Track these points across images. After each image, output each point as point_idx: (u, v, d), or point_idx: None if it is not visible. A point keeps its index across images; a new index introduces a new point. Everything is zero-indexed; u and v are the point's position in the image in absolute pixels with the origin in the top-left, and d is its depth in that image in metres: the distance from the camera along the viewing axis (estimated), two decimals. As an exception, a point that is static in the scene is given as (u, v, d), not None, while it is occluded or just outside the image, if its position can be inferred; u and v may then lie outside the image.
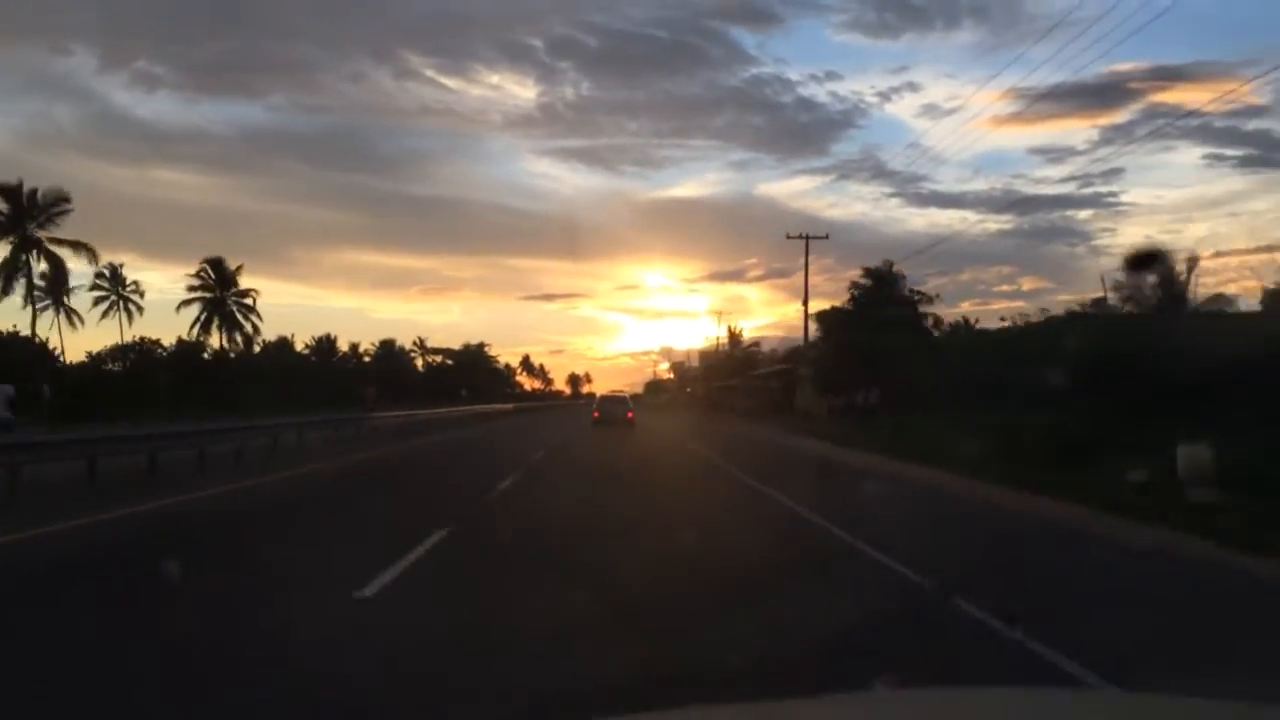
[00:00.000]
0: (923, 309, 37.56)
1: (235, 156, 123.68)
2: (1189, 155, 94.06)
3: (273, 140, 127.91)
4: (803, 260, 43.27)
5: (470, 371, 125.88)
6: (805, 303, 41.54)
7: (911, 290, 37.60)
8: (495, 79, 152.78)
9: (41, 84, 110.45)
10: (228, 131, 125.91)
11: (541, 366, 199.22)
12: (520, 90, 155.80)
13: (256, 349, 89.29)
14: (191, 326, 71.58)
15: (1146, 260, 21.77)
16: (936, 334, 31.30)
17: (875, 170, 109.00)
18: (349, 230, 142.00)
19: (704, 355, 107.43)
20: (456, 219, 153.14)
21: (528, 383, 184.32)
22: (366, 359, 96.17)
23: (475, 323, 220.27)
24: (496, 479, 16.43)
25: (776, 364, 58.24)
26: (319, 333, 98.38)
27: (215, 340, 72.19)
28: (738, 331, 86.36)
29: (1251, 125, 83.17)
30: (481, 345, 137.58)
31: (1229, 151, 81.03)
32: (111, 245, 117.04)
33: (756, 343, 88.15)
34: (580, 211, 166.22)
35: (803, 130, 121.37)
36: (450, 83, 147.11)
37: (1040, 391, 19.38)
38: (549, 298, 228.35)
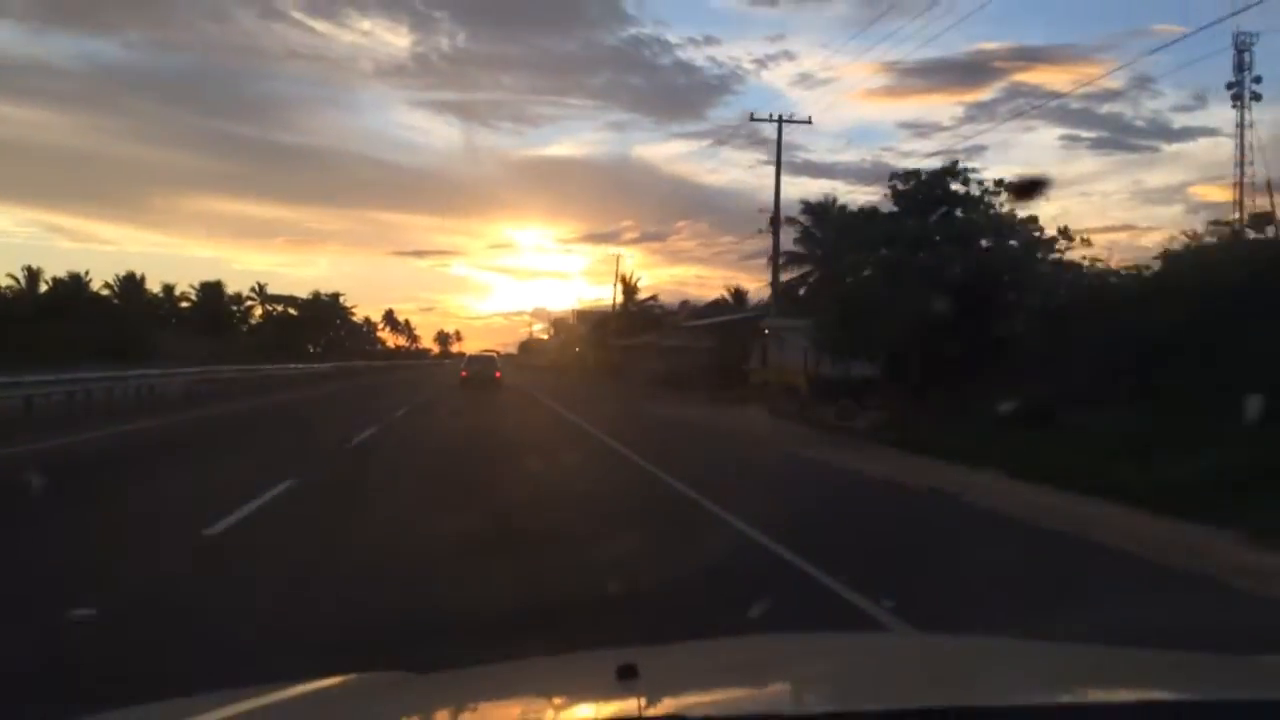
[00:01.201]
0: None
1: (87, 94, 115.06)
2: (1047, 135, 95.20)
3: (128, 78, 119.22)
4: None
5: (320, 325, 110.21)
6: (776, 217, 30.71)
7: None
8: (367, 25, 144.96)
9: None
10: (79, 66, 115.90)
11: (407, 322, 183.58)
12: (393, 38, 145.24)
13: (43, 287, 73.31)
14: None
15: (1031, 188, 19.42)
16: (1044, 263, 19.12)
17: (750, 137, 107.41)
18: (209, 177, 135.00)
19: (583, 314, 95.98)
20: (324, 169, 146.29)
21: (391, 339, 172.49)
22: (185, 304, 79.84)
23: (342, 277, 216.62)
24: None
25: (723, 317, 46.19)
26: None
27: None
28: (633, 282, 74.05)
29: (1105, 109, 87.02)
30: (336, 296, 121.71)
31: (1084, 133, 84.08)
32: None
33: (654, 297, 76.64)
34: (454, 167, 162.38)
35: (681, 93, 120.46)
36: (319, 26, 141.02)
37: None
38: (420, 254, 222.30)
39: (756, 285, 77.20)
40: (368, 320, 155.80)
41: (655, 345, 47.49)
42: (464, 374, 40.26)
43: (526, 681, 1.95)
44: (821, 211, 51.11)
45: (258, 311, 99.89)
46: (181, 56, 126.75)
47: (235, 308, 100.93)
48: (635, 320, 68.33)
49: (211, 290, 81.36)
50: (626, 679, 1.54)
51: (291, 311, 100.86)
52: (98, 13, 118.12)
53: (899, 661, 2.08)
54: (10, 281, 70.67)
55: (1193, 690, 1.69)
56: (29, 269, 71.41)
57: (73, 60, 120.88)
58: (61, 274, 70.56)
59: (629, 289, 76.11)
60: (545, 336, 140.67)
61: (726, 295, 77.07)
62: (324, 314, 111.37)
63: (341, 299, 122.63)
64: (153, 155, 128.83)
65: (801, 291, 51.79)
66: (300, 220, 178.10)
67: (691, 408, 26.10)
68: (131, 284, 74.73)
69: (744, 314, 41.53)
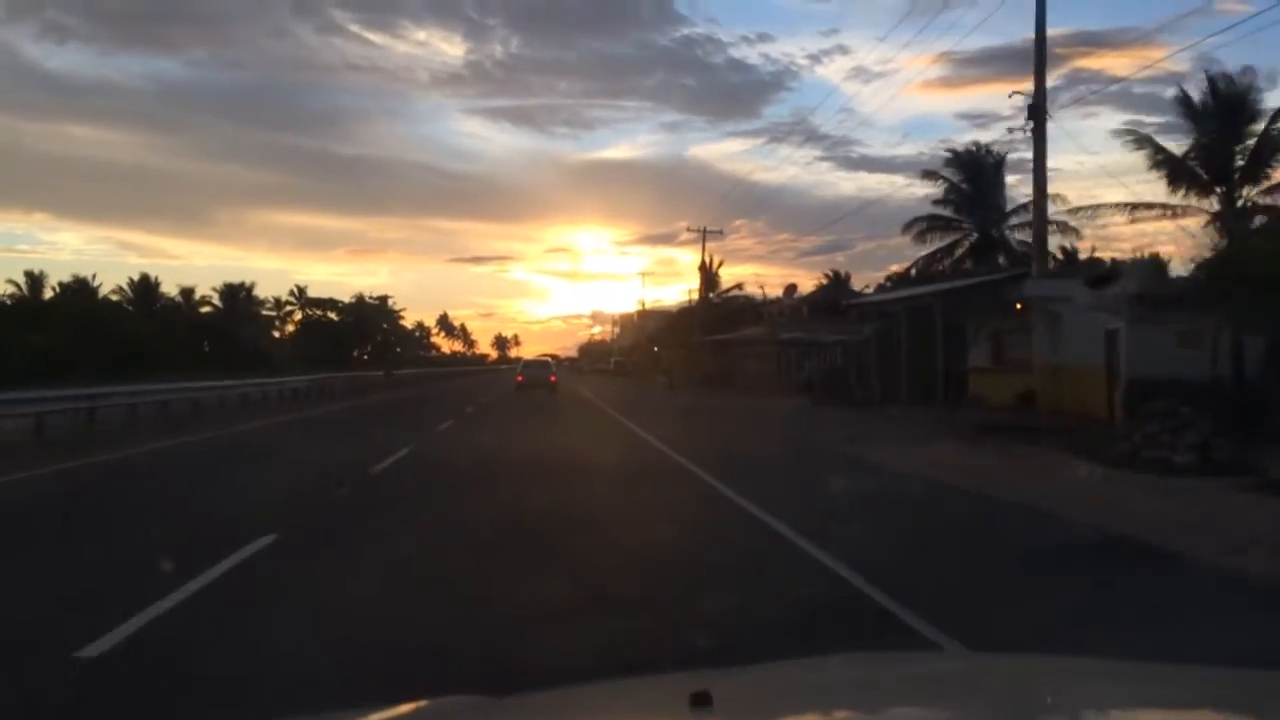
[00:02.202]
0: None
1: (153, 113, 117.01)
2: (1111, 121, 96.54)
3: (192, 96, 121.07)
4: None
5: (366, 331, 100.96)
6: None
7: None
8: (422, 35, 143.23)
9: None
10: (145, 86, 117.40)
11: (463, 326, 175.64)
12: (448, 47, 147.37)
13: (49, 294, 64.84)
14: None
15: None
16: None
17: (806, 134, 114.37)
18: (272, 190, 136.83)
19: (647, 312, 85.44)
20: (383, 179, 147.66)
21: (446, 345, 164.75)
22: (206, 309, 70.57)
23: (403, 285, 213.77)
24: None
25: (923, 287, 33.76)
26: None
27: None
28: (715, 267, 62.70)
29: (1171, 92, 70.13)
30: (385, 299, 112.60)
31: (1149, 119, 77.75)
32: (24, 204, 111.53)
33: (739, 285, 65.46)
34: (510, 173, 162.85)
35: (734, 92, 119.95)
36: (375, 38, 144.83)
37: None
38: (478, 260, 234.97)
39: (812, 280, 68.02)
40: (420, 325, 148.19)
41: (768, 340, 36.35)
42: (519, 379, 40.72)
43: (601, 708, 1.93)
44: (973, 165, 39.49)
45: (297, 317, 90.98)
46: (243, 73, 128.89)
47: (274, 314, 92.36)
48: (721, 314, 57.44)
49: (236, 292, 71.62)
50: (701, 705, 1.51)
51: (331, 316, 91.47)
52: (163, 33, 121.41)
53: (976, 684, 2.02)
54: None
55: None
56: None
57: (139, 80, 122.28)
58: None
59: (708, 280, 64.78)
60: (606, 338, 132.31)
61: (824, 279, 65.78)
62: (369, 319, 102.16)
63: (391, 302, 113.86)
64: (217, 170, 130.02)
65: (944, 266, 40.23)
66: (361, 230, 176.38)
67: (967, 457, 13.62)
68: (146, 287, 65.56)
69: (981, 277, 27.60)
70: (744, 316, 54.27)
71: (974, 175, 39.15)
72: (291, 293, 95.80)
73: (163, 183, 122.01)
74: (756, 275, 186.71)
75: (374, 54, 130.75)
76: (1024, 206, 38.33)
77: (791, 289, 49.37)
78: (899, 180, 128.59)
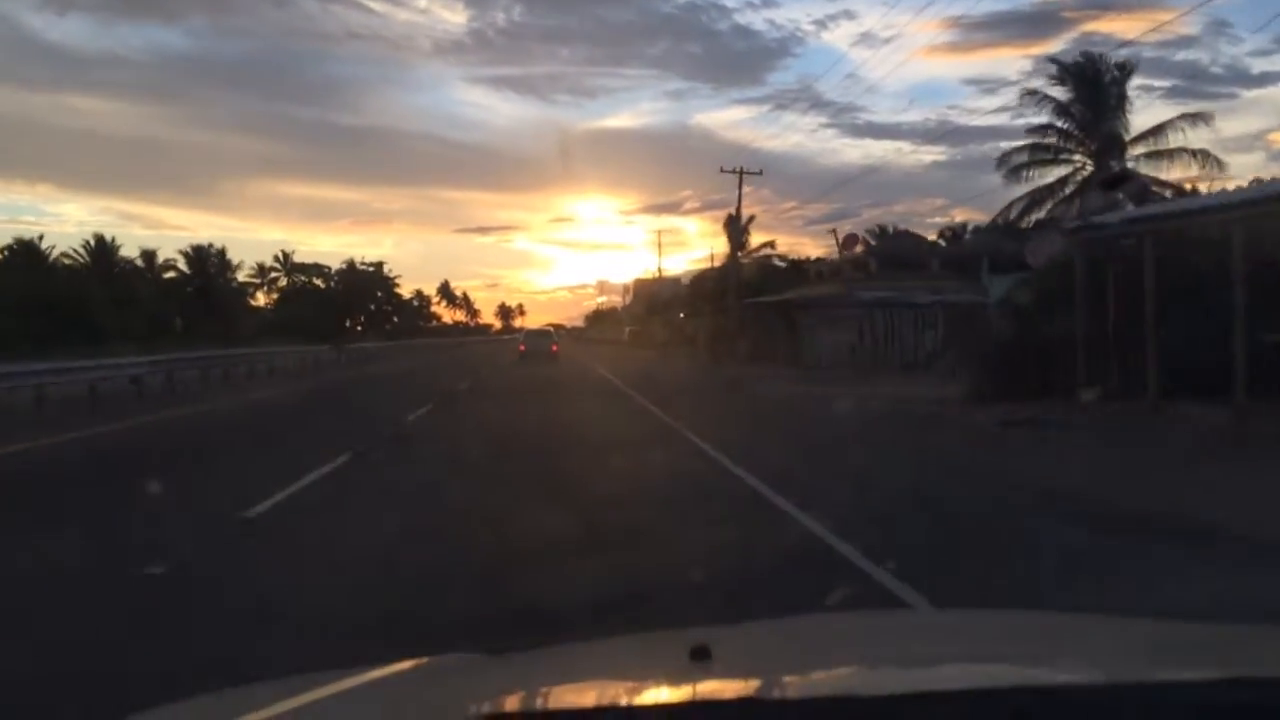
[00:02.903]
0: None
1: (154, 83, 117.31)
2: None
3: (194, 66, 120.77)
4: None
5: (359, 299, 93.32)
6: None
7: None
8: (423, 2, 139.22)
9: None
10: (146, 57, 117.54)
11: (465, 295, 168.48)
12: (449, 15, 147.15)
13: (-7, 256, 57.35)
14: None
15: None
16: None
17: (812, 100, 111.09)
18: (275, 161, 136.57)
19: (661, 279, 77.61)
20: (386, 149, 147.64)
21: (448, 315, 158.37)
22: (170, 274, 62.73)
23: (407, 255, 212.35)
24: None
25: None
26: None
27: None
28: (746, 222, 54.11)
29: (1180, 56, 79.29)
30: (380, 266, 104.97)
31: (1157, 82, 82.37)
32: (28, 176, 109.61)
33: (770, 243, 57.50)
34: (514, 142, 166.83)
35: (739, 59, 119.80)
36: (377, 6, 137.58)
37: None
38: (483, 230, 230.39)
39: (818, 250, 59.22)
40: (419, 294, 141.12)
41: (843, 301, 28.66)
42: (521, 348, 41.30)
43: (600, 662, 1.94)
44: (1092, 74, 31.46)
45: (281, 283, 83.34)
46: (245, 42, 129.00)
47: (256, 280, 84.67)
48: (749, 278, 49.45)
49: (202, 254, 63.66)
50: (700, 659, 1.54)
51: (317, 283, 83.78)
52: (164, 3, 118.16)
53: (977, 639, 1.98)
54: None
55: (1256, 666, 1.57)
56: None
57: (140, 51, 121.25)
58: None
59: (736, 242, 56.35)
60: (617, 305, 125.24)
61: (867, 238, 57.73)
62: (361, 286, 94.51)
63: (387, 269, 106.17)
64: (219, 141, 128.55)
65: (1045, 212, 32.33)
66: (364, 201, 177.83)
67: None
68: (102, 249, 57.83)
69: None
70: (773, 281, 46.41)
71: (1088, 93, 31.25)
72: (276, 258, 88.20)
73: (166, 154, 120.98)
74: (760, 242, 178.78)
75: (375, 22, 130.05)
76: (1155, 131, 30.82)
77: (852, 239, 41.41)
78: (905, 146, 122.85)
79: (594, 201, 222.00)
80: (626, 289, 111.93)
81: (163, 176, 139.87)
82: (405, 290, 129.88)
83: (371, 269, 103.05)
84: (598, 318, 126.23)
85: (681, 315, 58.18)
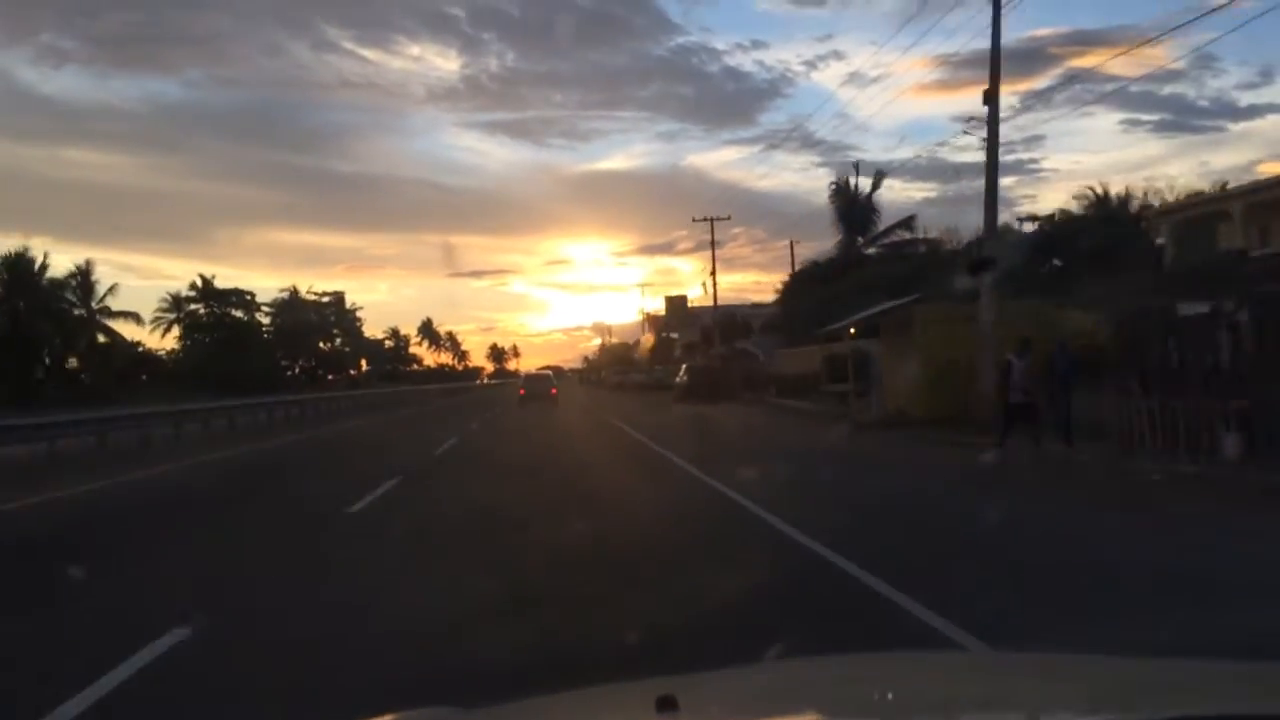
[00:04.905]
0: None
1: (150, 134, 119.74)
2: (1107, 121, 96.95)
3: (188, 116, 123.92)
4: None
5: (298, 339, 72.26)
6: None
7: None
8: (416, 50, 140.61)
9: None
10: (141, 108, 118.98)
11: (450, 335, 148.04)
12: (443, 62, 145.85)
13: None
14: None
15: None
16: None
17: (803, 140, 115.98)
18: (270, 209, 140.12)
19: (705, 305, 56.69)
20: (381, 195, 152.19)
21: (430, 358, 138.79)
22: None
23: (403, 301, 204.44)
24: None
25: None
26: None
27: None
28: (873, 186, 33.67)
29: (1167, 90, 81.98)
30: (340, 297, 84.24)
31: (1146, 116, 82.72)
32: (24, 228, 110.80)
33: (911, 218, 37.05)
34: (508, 186, 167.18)
35: (730, 100, 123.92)
36: (370, 54, 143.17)
37: None
38: (478, 274, 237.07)
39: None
40: (395, 333, 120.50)
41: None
42: (522, 392, 42.52)
43: (568, 716, 1.98)
44: None
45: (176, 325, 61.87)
46: (239, 92, 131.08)
47: (170, 314, 63.61)
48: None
49: (21, 273, 41.73)
50: (666, 710, 1.54)
51: (237, 314, 62.50)
52: (158, 55, 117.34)
53: (945, 682, 2.01)
54: None
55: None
56: None
57: (135, 102, 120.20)
58: None
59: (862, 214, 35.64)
60: (627, 340, 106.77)
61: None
62: (306, 322, 73.46)
63: (351, 303, 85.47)
64: (215, 190, 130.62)
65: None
66: (360, 247, 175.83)
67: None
68: None
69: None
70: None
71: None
72: (193, 285, 67.07)
73: (161, 204, 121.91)
74: (756, 283, 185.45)
75: (369, 70, 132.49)
76: None
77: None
78: (897, 184, 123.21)
79: (588, 244, 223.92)
80: (646, 320, 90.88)
81: (159, 226, 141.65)
82: (377, 329, 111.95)
83: (326, 300, 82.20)
84: (610, 351, 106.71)
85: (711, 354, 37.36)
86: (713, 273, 45.22)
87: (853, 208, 33.38)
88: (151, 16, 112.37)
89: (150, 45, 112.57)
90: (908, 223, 34.32)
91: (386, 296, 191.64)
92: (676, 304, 62.75)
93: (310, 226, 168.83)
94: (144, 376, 59.30)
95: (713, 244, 45.73)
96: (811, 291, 32.49)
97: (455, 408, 45.35)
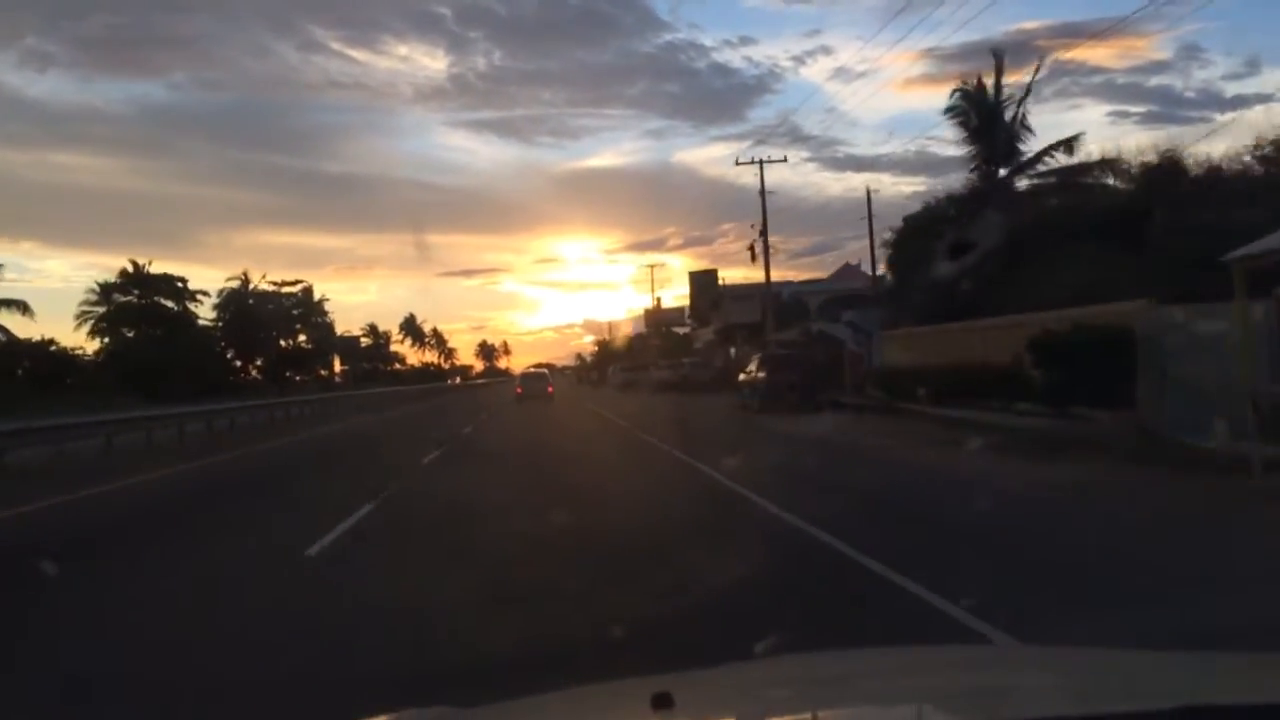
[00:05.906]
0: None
1: (137, 137, 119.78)
2: (1094, 113, 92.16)
3: (175, 119, 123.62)
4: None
5: (249, 334, 62.04)
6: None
7: None
8: (404, 50, 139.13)
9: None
10: (127, 111, 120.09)
11: (435, 332, 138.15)
12: (430, 61, 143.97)
13: None
14: None
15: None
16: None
17: (792, 135, 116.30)
18: (259, 210, 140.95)
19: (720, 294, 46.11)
20: (370, 195, 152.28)
21: (413, 356, 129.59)
22: None
23: (394, 300, 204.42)
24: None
25: None
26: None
27: None
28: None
29: (1153, 81, 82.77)
30: (308, 289, 73.94)
31: (1133, 108, 79.99)
32: (11, 233, 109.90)
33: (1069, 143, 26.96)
34: (497, 184, 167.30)
35: (719, 96, 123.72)
36: (357, 55, 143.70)
37: None
38: (468, 273, 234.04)
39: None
40: (373, 329, 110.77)
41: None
42: (519, 390, 43.43)
43: (563, 714, 1.97)
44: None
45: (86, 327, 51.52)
46: (226, 94, 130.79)
47: (99, 306, 53.30)
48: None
49: None
50: (662, 708, 1.54)
51: (167, 304, 52.03)
52: (143, 57, 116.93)
53: (943, 676, 1.96)
54: None
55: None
56: None
57: (121, 105, 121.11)
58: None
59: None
60: (617, 338, 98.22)
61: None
62: (259, 317, 63.11)
63: (319, 296, 75.23)
64: (203, 192, 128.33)
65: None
66: (349, 247, 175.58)
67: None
68: None
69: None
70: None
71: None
72: (124, 271, 56.69)
73: (149, 207, 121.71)
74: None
75: (356, 70, 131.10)
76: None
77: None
78: (885, 179, 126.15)
79: (578, 241, 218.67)
80: (648, 313, 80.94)
81: (147, 229, 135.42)
82: (353, 325, 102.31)
83: (289, 291, 71.72)
84: (604, 350, 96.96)
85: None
86: (763, 231, 35.18)
87: (993, 123, 23.65)
88: (136, 19, 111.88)
89: (135, 48, 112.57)
90: (1069, 144, 24.42)
91: (376, 297, 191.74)
92: (705, 281, 52.26)
93: (299, 228, 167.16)
94: (68, 380, 49.42)
95: (763, 192, 35.79)
96: (932, 248, 22.73)
97: (412, 422, 34.33)
